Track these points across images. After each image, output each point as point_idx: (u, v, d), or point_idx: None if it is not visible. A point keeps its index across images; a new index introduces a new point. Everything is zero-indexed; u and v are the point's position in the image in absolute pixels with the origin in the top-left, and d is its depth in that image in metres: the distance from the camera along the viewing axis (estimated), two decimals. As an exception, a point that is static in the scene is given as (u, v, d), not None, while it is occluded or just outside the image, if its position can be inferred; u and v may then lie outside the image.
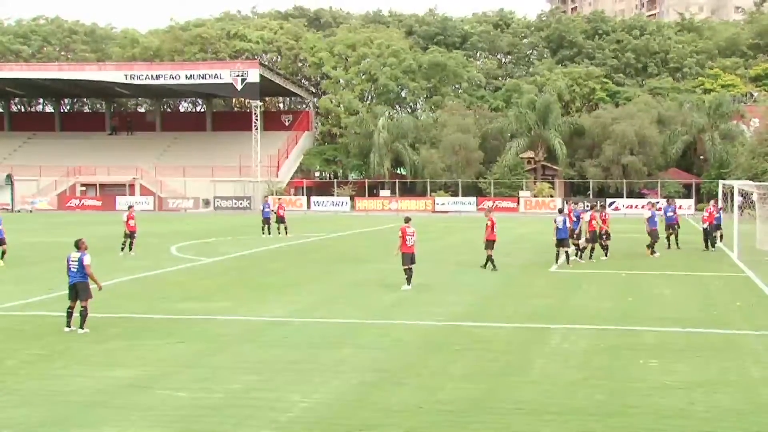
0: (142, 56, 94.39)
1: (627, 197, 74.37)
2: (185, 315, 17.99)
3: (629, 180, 75.61)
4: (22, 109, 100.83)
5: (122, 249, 31.58)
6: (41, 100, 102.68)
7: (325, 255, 32.56)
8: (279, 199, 57.21)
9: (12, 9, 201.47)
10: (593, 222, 30.14)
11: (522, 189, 76.52)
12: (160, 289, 22.30)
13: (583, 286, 23.14)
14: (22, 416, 10.43)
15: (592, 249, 30.35)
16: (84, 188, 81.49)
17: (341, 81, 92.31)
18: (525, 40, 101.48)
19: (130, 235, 32.01)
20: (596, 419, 10.38)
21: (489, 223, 26.64)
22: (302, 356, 13.93)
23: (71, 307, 16.10)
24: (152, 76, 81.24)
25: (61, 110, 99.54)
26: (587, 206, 49.27)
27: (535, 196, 75.61)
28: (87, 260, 16.04)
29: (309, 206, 76.30)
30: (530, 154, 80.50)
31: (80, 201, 78.24)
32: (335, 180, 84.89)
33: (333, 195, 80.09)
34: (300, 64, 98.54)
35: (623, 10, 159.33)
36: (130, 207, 34.46)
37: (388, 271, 24.90)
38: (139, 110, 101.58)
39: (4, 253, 28.45)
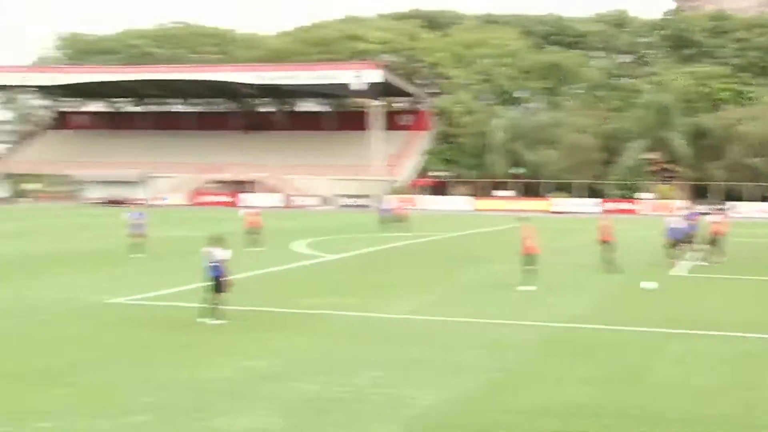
0: (267, 58, 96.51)
1: (754, 200, 71.51)
2: (312, 310, 18.32)
3: (756, 183, 72.73)
4: (161, 110, 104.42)
5: (249, 245, 32.42)
6: (177, 101, 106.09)
7: (445, 254, 32.58)
8: (398, 198, 57.56)
9: (149, 14, 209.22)
10: (715, 225, 29.21)
11: (643, 191, 74.60)
12: (287, 285, 22.79)
13: (706, 290, 22.45)
14: (164, 401, 10.86)
15: (712, 253, 29.40)
16: (214, 185, 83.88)
17: (458, 81, 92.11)
18: (644, 40, 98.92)
19: (253, 231, 32.95)
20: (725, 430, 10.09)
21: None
22: (425, 354, 14.00)
23: (208, 300, 16.61)
24: (276, 76, 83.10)
25: (196, 110, 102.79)
26: (708, 209, 47.69)
27: (656, 199, 73.64)
28: (224, 255, 16.51)
29: (427, 205, 76.46)
30: (651, 155, 78.41)
31: (210, 197, 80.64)
32: (453, 180, 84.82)
33: (450, 194, 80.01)
34: (417, 65, 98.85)
35: (747, 7, 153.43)
36: (251, 206, 35.52)
37: (508, 272, 24.72)
38: (266, 110, 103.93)
39: (143, 246, 29.60)
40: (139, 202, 73.55)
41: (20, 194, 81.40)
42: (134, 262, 27.47)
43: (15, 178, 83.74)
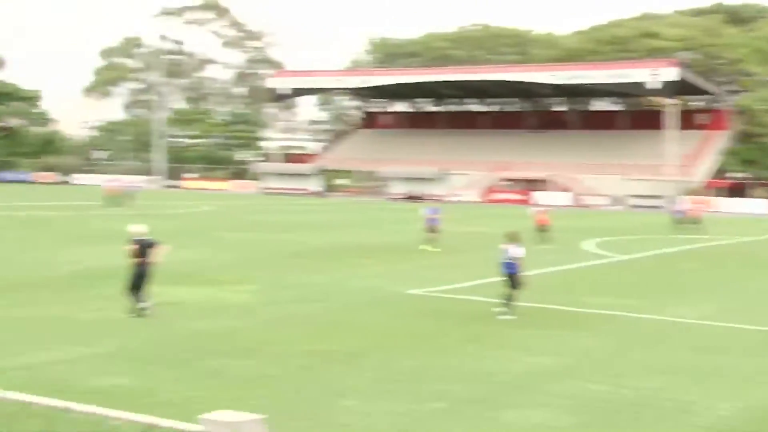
0: (561, 58, 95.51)
1: None
2: (598, 310, 18.00)
3: None
4: (458, 109, 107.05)
5: (538, 243, 32.37)
6: (473, 100, 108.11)
7: (740, 259, 30.56)
8: (691, 199, 54.69)
9: (451, 17, 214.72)
10: None
11: None
12: (574, 283, 22.55)
13: None
14: (455, 391, 11.20)
15: None
16: (506, 183, 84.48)
17: (762, 78, 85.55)
18: None
19: (542, 229, 32.91)
20: None
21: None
22: (717, 361, 13.27)
23: (503, 295, 16.75)
24: (571, 76, 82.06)
25: (490, 110, 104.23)
26: None
27: None
28: (518, 252, 16.68)
29: (723, 207, 71.88)
30: None
31: (502, 195, 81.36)
32: (752, 181, 79.00)
33: (749, 197, 74.62)
34: (715, 62, 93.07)
35: None
36: (540, 204, 35.50)
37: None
38: (559, 109, 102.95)
39: (436, 241, 30.54)
40: (435, 198, 75.90)
41: (331, 188, 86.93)
42: (430, 256, 28.39)
43: (327, 173, 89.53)
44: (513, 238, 16.76)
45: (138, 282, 15.45)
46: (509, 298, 16.56)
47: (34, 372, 11.24)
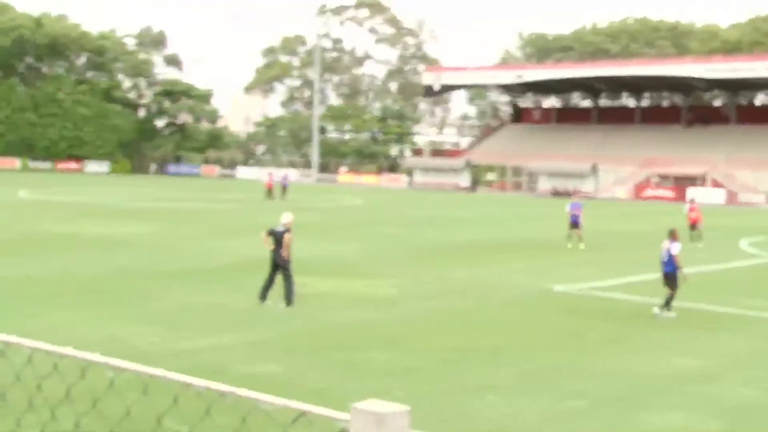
0: (721, 50, 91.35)
1: None
2: (749, 311, 17.25)
3: None
4: (608, 104, 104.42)
5: (691, 241, 31.19)
6: (625, 95, 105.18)
7: None
8: None
9: (603, 12, 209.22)
10: None
11: None
12: (726, 283, 21.67)
13: None
14: (597, 390, 11.07)
15: None
16: (658, 179, 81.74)
17: None
18: None
19: (694, 226, 31.70)
20: None
21: None
22: None
23: (665, 293, 16.27)
24: (729, 69, 78.33)
25: (641, 104, 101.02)
26: None
27: None
28: (675, 250, 16.24)
29: None
30: None
31: (654, 191, 78.76)
32: None
33: None
34: None
35: None
36: (691, 200, 34.13)
37: None
38: (714, 104, 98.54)
39: (580, 237, 29.94)
40: (584, 195, 74.31)
41: (480, 184, 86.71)
42: (574, 253, 27.91)
43: (476, 168, 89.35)
44: (672, 235, 16.42)
45: (273, 271, 15.92)
46: (670, 297, 16.13)
47: (196, 356, 11.93)
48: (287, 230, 16.00)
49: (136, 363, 2.78)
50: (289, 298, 15.80)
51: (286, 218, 16.33)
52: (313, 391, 10.09)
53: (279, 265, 15.87)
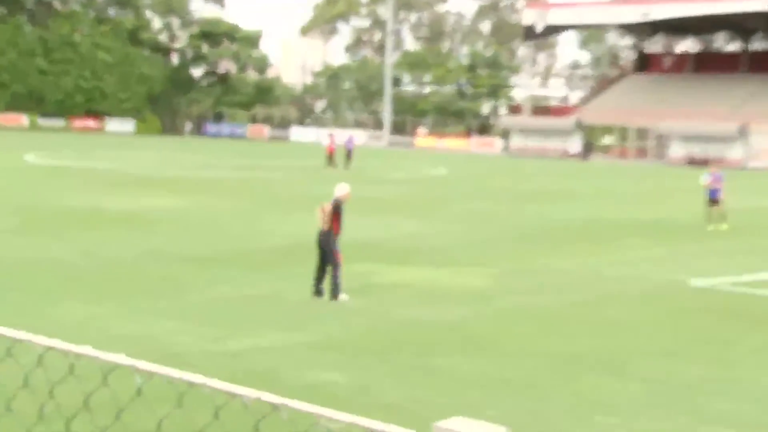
0: None
1: None
2: None
3: None
4: (762, 47, 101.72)
5: None
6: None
7: None
8: None
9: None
10: None
11: None
12: None
13: None
14: (745, 412, 10.85)
15: None
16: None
17: None
18: None
19: None
20: None
21: None
22: None
23: None
24: None
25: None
26: None
27: None
28: None
29: None
30: None
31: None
32: None
33: None
34: None
35: None
36: None
37: None
38: None
39: (723, 216, 29.27)
40: (728, 162, 72.78)
41: (594, 149, 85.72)
42: (716, 237, 27.43)
43: (590, 130, 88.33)
44: None
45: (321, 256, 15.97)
46: None
47: (241, 360, 12.07)
48: (338, 204, 16.03)
49: (169, 367, 2.79)
50: (333, 290, 15.86)
51: (340, 190, 16.34)
52: (383, 405, 10.12)
53: (320, 246, 15.96)
